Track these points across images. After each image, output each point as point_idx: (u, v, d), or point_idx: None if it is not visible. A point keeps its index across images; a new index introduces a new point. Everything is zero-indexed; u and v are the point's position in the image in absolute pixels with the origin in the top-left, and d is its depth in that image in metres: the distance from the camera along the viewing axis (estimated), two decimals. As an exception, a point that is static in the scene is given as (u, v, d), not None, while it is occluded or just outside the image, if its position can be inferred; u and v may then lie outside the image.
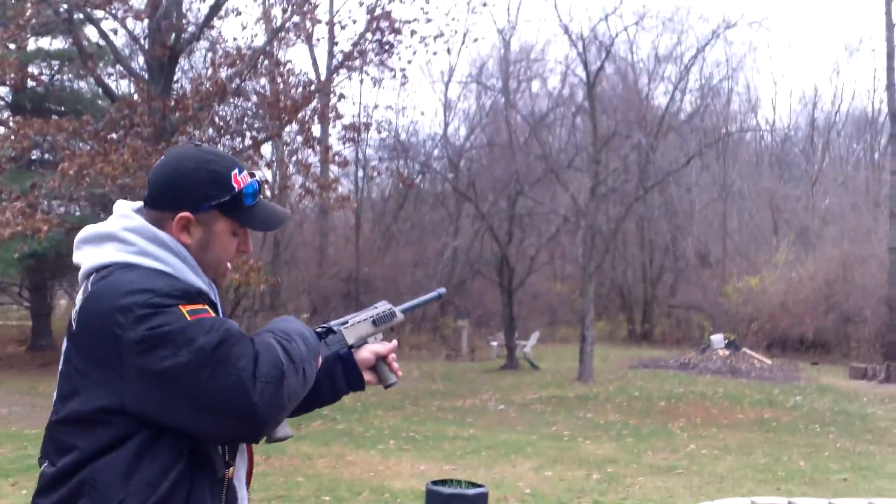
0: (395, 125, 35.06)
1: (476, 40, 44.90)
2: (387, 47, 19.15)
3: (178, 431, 2.02)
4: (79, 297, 2.12)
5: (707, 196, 36.38)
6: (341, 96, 20.28)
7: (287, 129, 18.80)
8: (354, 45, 18.90)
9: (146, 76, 18.95)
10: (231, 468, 2.17)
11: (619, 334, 39.43)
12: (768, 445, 13.84)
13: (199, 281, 2.16)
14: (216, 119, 19.07)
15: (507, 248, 27.23)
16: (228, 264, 2.30)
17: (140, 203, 2.26)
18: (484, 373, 24.52)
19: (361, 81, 32.98)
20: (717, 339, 28.24)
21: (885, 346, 29.78)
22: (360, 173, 33.99)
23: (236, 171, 2.23)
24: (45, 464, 2.10)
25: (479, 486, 7.47)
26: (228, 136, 19.74)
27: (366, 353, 2.49)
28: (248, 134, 19.65)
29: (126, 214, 2.20)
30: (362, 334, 2.49)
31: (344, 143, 21.38)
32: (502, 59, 31.08)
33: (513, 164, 25.58)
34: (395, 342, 2.56)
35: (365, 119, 28.04)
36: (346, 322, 2.49)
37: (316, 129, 19.88)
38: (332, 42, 23.67)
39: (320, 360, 2.30)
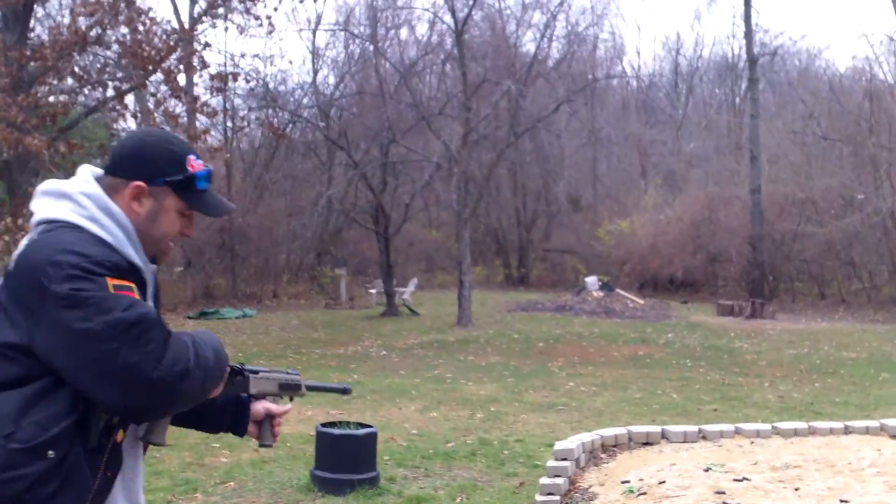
0: (264, 74, 34.50)
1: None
2: (250, -6, 18.88)
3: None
4: (23, 242, 2.21)
5: (577, 142, 36.95)
6: (206, 45, 19.83)
7: (152, 78, 18.30)
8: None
9: (0, 25, 18.22)
10: (121, 432, 2.23)
11: (496, 279, 39.97)
12: (643, 381, 14.30)
13: (135, 256, 2.24)
14: (76, 69, 18.47)
15: (382, 196, 27.24)
16: (171, 244, 2.39)
17: (101, 171, 2.34)
18: (364, 320, 24.59)
19: (226, 29, 32.40)
20: (592, 281, 28.91)
21: (749, 283, 31.01)
22: (229, 123, 33.40)
23: (192, 156, 2.35)
24: None
25: (368, 426, 7.58)
26: (89, 87, 19.15)
27: (259, 408, 2.58)
28: (110, 84, 19.09)
29: (87, 180, 2.29)
30: (265, 390, 2.57)
31: (211, 93, 20.99)
32: (369, 6, 30.79)
33: (384, 112, 25.50)
34: (289, 407, 2.64)
35: (232, 68, 27.46)
36: (258, 372, 2.56)
37: (181, 79, 19.41)
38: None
39: (221, 387, 2.33)
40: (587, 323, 23.32)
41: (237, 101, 32.20)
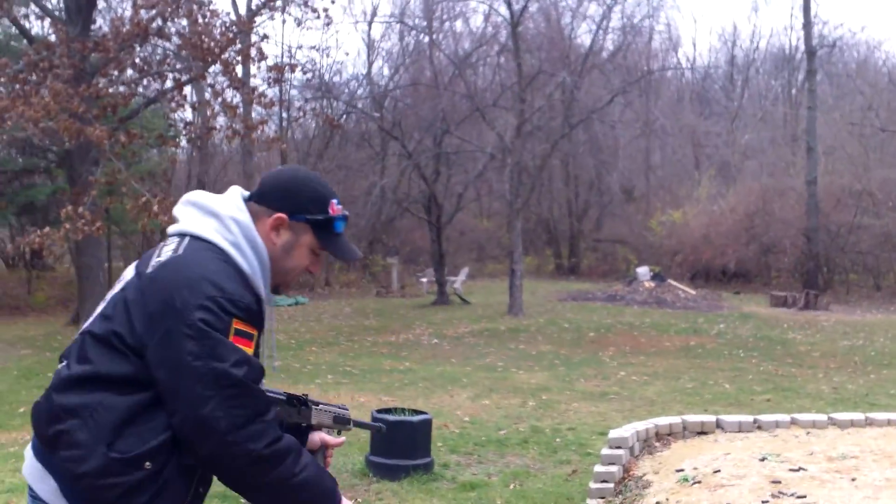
0: (319, 65, 34.71)
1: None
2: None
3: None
4: (168, 250, 2.31)
5: (630, 133, 36.75)
6: (265, 37, 20.04)
7: (210, 70, 18.53)
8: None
9: (63, 17, 18.53)
10: None
11: (547, 268, 39.91)
12: (695, 371, 14.26)
13: (262, 288, 2.35)
14: (137, 61, 18.76)
15: (435, 186, 27.32)
16: (296, 278, 2.52)
17: (246, 192, 2.47)
18: (415, 308, 24.71)
19: (284, 22, 32.60)
20: (643, 271, 28.79)
21: (803, 274, 30.66)
22: (285, 114, 33.66)
23: (335, 200, 2.48)
24: (64, 364, 2.28)
25: (423, 413, 7.66)
26: (149, 78, 19.43)
27: (316, 438, 2.65)
28: (169, 75, 19.36)
29: (238, 206, 2.40)
30: (322, 421, 2.66)
31: (269, 84, 21.17)
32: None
33: (439, 103, 25.56)
34: (343, 440, 2.72)
35: (288, 60, 27.67)
36: (319, 405, 2.66)
37: (240, 70, 19.63)
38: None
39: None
40: (638, 313, 23.24)
41: (293, 92, 32.45)
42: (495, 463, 8.02)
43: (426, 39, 29.18)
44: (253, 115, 21.98)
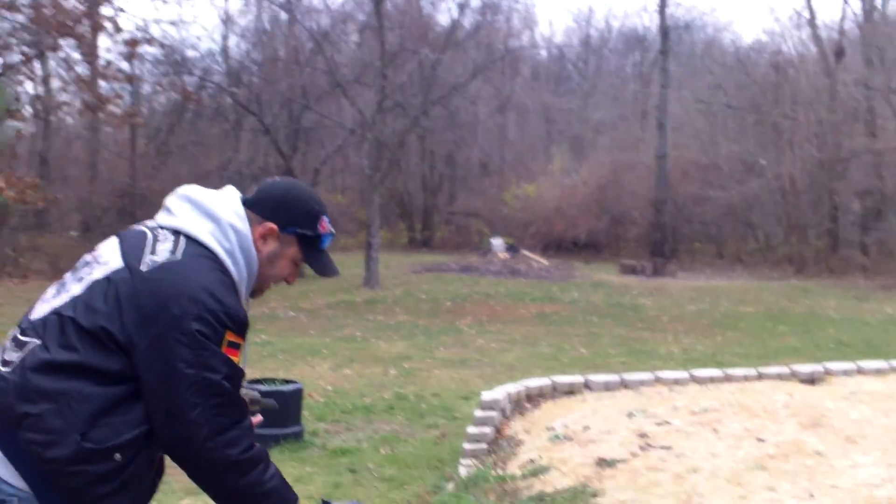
0: (175, 39, 33.67)
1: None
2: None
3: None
4: (163, 249, 2.30)
5: (486, 110, 37.12)
6: (120, 10, 19.34)
7: (62, 43, 17.78)
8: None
9: None
10: None
11: (400, 242, 40.00)
12: (551, 337, 14.52)
13: (244, 294, 2.45)
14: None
15: (291, 162, 26.99)
16: (272, 284, 2.59)
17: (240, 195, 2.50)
18: (271, 282, 24.39)
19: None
20: (497, 242, 29.19)
21: (651, 244, 31.68)
22: (136, 88, 32.59)
23: (325, 218, 2.54)
24: (38, 343, 2.22)
25: (294, 382, 7.59)
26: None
27: None
28: (16, 49, 18.50)
29: (238, 213, 2.43)
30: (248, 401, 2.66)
31: (125, 59, 20.48)
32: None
33: (298, 79, 25.25)
34: (261, 418, 2.69)
35: (142, 34, 26.83)
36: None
37: (96, 44, 18.93)
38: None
39: None
40: (493, 283, 23.54)
41: (147, 66, 31.45)
42: (364, 430, 8.01)
43: (285, 16, 28.68)
44: (105, 89, 21.23)
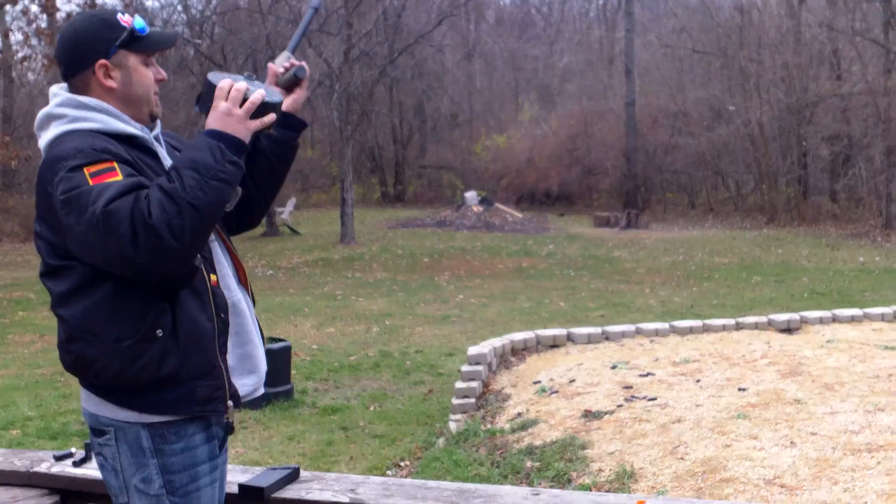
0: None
1: None
2: None
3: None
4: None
5: (454, 57, 37.00)
6: (78, -42, 19.11)
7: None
8: None
9: None
10: (213, 276, 2.39)
11: (373, 197, 40.00)
12: (529, 291, 14.70)
13: (128, 127, 2.36)
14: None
15: (258, 115, 26.80)
16: (155, 95, 2.49)
17: (65, 84, 2.44)
18: (245, 241, 24.33)
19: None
20: (471, 196, 29.26)
21: (623, 195, 31.82)
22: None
23: (119, 14, 2.43)
24: None
25: (282, 340, 7.70)
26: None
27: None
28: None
29: (55, 94, 2.40)
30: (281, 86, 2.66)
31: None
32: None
33: (262, 29, 25.01)
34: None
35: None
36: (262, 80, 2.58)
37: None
38: None
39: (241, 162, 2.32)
40: (469, 237, 23.68)
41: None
42: (351, 387, 8.15)
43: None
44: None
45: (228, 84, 2.33)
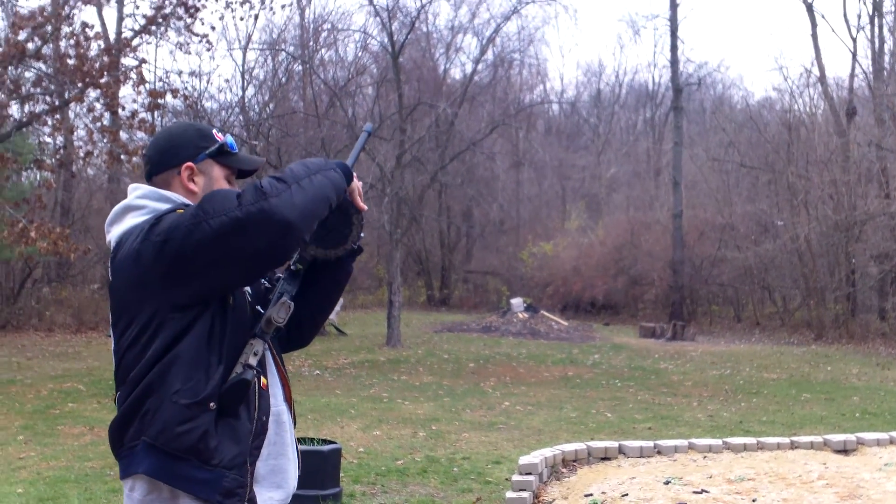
0: (197, 91, 34.19)
1: (280, 8, 43.97)
2: (192, 11, 18.84)
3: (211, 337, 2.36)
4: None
5: (503, 164, 37.46)
6: (143, 61, 19.75)
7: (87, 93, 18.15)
8: (157, 8, 18.48)
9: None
10: (264, 379, 2.48)
11: (418, 300, 40.17)
12: (576, 400, 14.61)
13: None
14: (7, 82, 18.25)
15: (312, 217, 27.20)
16: None
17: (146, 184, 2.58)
18: (292, 340, 24.53)
19: (157, 46, 32.00)
20: (517, 302, 29.31)
21: (670, 306, 31.71)
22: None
23: (215, 129, 2.67)
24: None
25: (332, 442, 7.71)
26: (19, 100, 18.90)
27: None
28: (40, 98, 18.88)
29: (135, 187, 2.54)
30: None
31: (148, 110, 20.86)
32: (300, 26, 30.86)
33: (319, 132, 25.59)
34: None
35: (162, 85, 27.25)
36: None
37: (121, 93, 19.32)
38: (122, 3, 23.12)
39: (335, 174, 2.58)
40: (514, 344, 23.65)
41: (168, 117, 31.94)
42: (399, 492, 8.12)
43: (299, 68, 29.12)
44: (123, 140, 21.59)
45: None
